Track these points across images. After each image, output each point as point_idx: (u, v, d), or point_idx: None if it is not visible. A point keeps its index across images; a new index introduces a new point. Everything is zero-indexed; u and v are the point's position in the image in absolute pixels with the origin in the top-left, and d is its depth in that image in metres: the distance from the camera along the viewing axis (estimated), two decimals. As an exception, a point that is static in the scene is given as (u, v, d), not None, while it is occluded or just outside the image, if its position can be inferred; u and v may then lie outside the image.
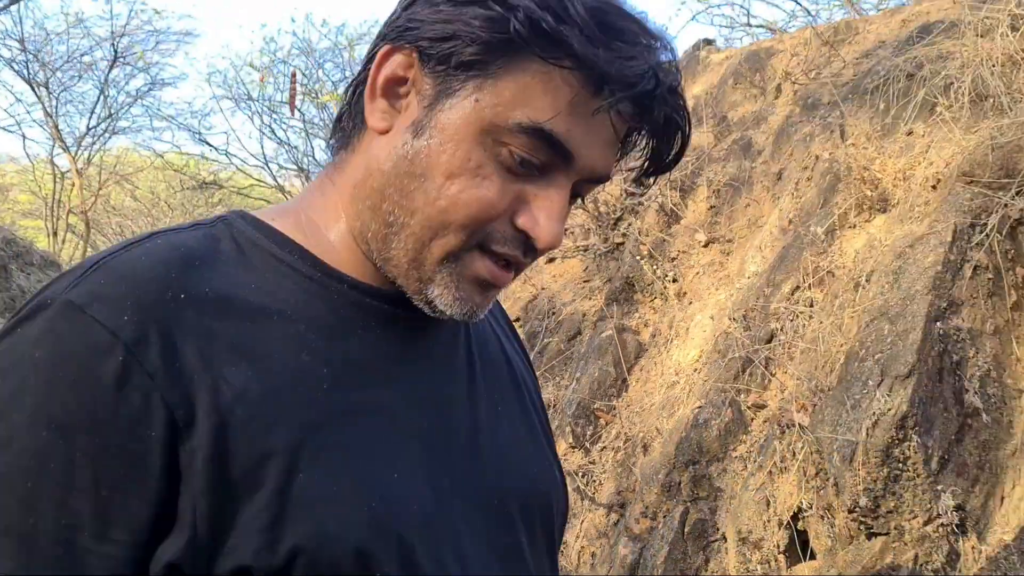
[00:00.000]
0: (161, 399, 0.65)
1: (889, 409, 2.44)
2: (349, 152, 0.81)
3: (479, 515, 0.79)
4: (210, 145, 14.47)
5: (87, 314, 0.65)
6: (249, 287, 0.73)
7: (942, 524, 2.43)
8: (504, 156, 0.73)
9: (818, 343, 2.93)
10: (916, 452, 2.43)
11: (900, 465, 2.44)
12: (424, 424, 0.78)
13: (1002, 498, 2.52)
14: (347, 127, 0.82)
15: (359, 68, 0.82)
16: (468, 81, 0.73)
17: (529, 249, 0.77)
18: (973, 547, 2.44)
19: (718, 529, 2.99)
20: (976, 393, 2.57)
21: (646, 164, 0.80)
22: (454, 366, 0.85)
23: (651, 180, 0.84)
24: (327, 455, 0.70)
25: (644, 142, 0.79)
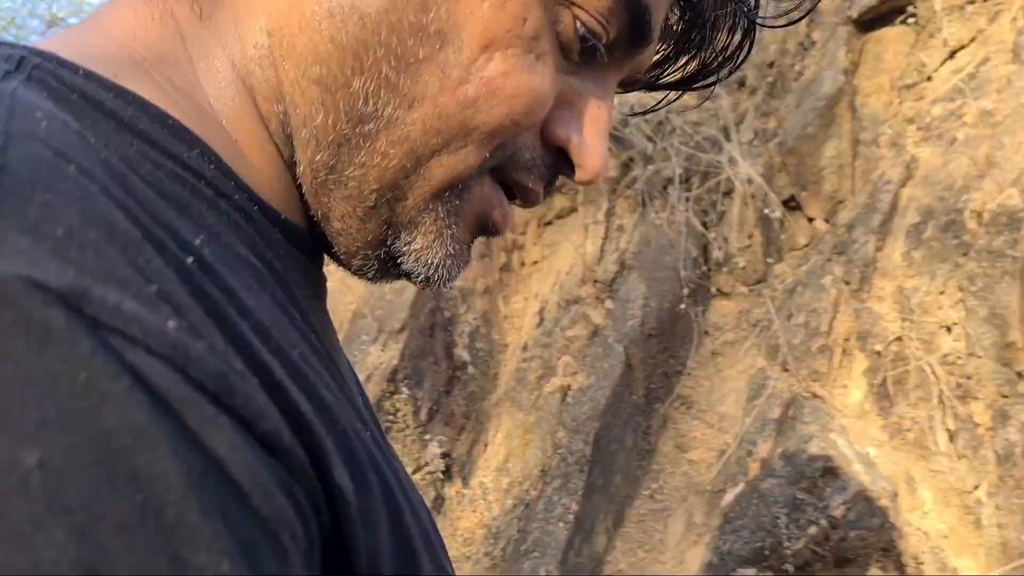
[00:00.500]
0: (302, 482, 0.34)
1: (381, 363, 2.51)
2: None
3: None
4: None
5: (106, 324, 0.29)
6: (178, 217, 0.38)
7: (429, 471, 2.56)
8: (565, 27, 0.46)
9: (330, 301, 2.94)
10: (406, 404, 2.53)
11: (391, 417, 2.52)
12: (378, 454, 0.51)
13: (485, 444, 2.72)
14: None
15: None
16: None
17: (552, 179, 0.51)
18: (457, 491, 2.60)
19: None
20: (465, 348, 2.74)
21: (708, 61, 0.54)
22: (344, 357, 0.57)
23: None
24: (403, 520, 0.44)
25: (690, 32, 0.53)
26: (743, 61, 0.54)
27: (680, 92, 0.56)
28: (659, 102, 0.60)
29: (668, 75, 0.55)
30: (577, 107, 0.49)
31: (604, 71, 0.50)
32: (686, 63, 0.54)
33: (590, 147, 0.49)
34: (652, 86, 0.56)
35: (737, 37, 0.53)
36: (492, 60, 0.44)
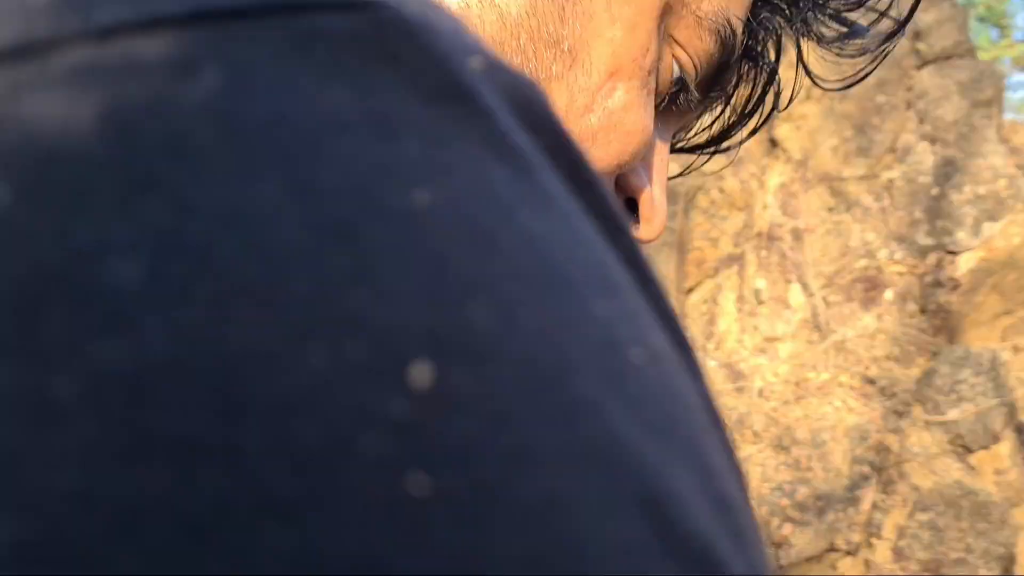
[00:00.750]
0: None
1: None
2: None
3: None
4: None
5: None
6: None
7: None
8: (664, 67, 0.42)
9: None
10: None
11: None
12: None
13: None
14: None
15: None
16: None
17: None
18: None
19: None
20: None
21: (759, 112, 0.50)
22: None
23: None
24: None
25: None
26: (767, 119, 0.51)
27: (709, 155, 0.54)
28: (688, 167, 0.58)
29: (694, 137, 0.52)
30: (647, 156, 0.45)
31: (666, 119, 0.46)
32: (711, 124, 0.51)
33: (659, 202, 0.45)
34: (681, 150, 0.53)
35: (758, 91, 0.49)
36: (616, 90, 0.39)
